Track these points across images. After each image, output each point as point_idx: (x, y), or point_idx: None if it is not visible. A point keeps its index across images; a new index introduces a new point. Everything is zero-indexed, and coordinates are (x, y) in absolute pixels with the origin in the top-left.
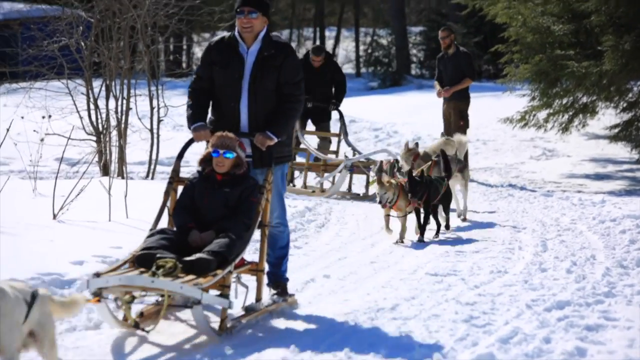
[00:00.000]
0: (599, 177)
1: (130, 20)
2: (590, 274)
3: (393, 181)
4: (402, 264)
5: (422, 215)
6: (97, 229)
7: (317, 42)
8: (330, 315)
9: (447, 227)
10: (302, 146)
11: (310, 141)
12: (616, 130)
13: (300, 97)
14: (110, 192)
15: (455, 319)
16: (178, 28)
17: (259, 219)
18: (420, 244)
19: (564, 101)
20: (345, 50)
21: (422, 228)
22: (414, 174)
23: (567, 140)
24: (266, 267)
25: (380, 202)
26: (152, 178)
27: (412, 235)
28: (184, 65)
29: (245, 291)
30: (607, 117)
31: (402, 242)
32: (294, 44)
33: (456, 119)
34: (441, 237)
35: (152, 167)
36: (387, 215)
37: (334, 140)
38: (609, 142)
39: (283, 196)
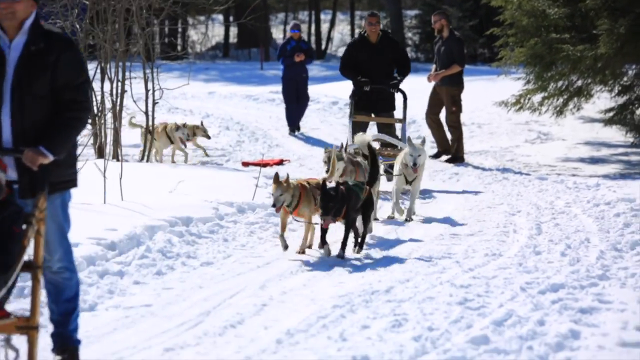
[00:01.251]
0: (593, 160)
1: (126, 3)
2: (585, 257)
3: (293, 182)
4: (397, 246)
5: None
6: (92, 211)
7: (313, 26)
8: (324, 298)
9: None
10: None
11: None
12: (611, 114)
13: (86, 103)
14: (105, 175)
15: (450, 302)
16: (173, 10)
17: (25, 257)
18: (340, 259)
19: (559, 84)
20: (341, 33)
21: (343, 243)
22: (327, 186)
23: (562, 124)
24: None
25: (274, 205)
26: (147, 161)
27: (334, 243)
28: (179, 47)
29: (13, 358)
30: (602, 100)
31: (303, 252)
32: (288, 27)
33: (448, 104)
34: (434, 220)
35: (147, 149)
36: (282, 235)
37: (399, 127)
38: (604, 125)
39: (67, 234)
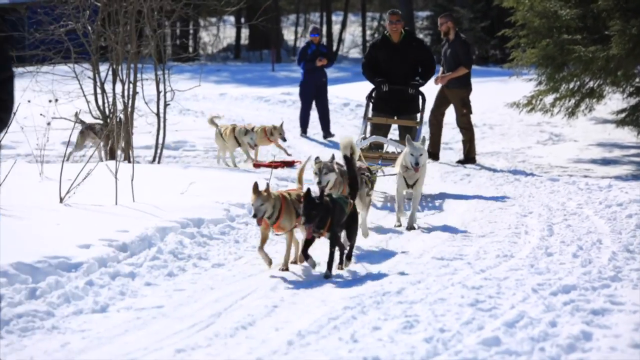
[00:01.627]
0: (605, 161)
1: (137, 5)
2: (597, 258)
3: (274, 192)
4: (408, 248)
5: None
6: (103, 212)
7: (324, 27)
8: (336, 299)
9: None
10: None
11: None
12: (623, 115)
13: (8, 102)
14: (117, 176)
15: (462, 303)
16: (185, 12)
17: None
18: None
19: (571, 86)
20: (352, 34)
21: (329, 262)
22: (312, 194)
23: (573, 125)
24: None
25: (255, 216)
26: (159, 162)
27: (320, 257)
28: (190, 49)
29: None
30: (614, 101)
31: (287, 269)
32: (300, 29)
33: (458, 106)
34: (446, 221)
35: (159, 151)
36: (261, 248)
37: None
38: (616, 126)
39: None
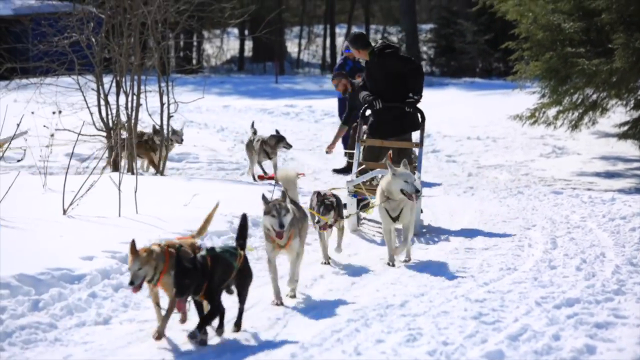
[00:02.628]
0: (609, 175)
1: (141, 17)
2: (600, 272)
3: (156, 248)
4: (411, 260)
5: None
6: (106, 224)
7: (328, 40)
8: (339, 312)
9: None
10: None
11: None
12: (625, 128)
13: None
14: (120, 188)
15: (465, 316)
16: (188, 24)
17: None
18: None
19: (574, 98)
20: None
21: (201, 322)
22: (184, 258)
23: (577, 138)
24: None
25: (131, 283)
26: (162, 174)
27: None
28: (194, 61)
29: None
30: (617, 114)
31: (159, 338)
32: (303, 41)
33: None
34: (449, 234)
35: (162, 163)
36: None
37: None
38: (618, 139)
39: None
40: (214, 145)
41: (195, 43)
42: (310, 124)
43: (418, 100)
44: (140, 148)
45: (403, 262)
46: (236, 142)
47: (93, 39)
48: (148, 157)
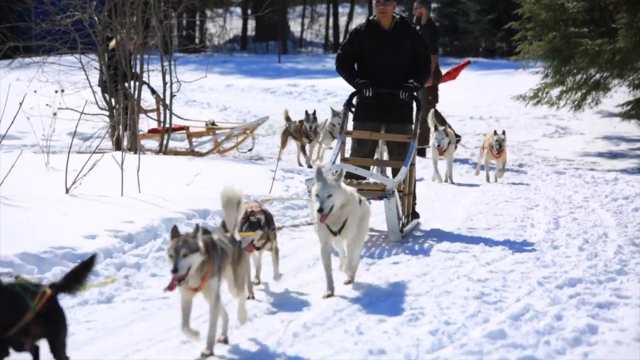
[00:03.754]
0: (612, 155)
1: None
2: (602, 252)
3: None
4: (413, 240)
5: None
6: (109, 203)
7: (331, 19)
8: (341, 292)
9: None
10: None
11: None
12: (628, 108)
13: None
14: (123, 167)
15: (467, 296)
16: (191, 3)
17: None
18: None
19: (577, 78)
20: None
21: None
22: None
23: (580, 118)
24: None
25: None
26: (165, 153)
27: None
28: (197, 40)
29: None
30: (620, 94)
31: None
32: (306, 20)
33: (424, 93)
34: (452, 214)
35: (165, 142)
36: None
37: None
38: (621, 119)
39: None
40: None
41: (198, 22)
42: (313, 103)
43: (418, 87)
44: (297, 133)
45: (344, 283)
46: (239, 121)
47: (95, 18)
48: (301, 143)
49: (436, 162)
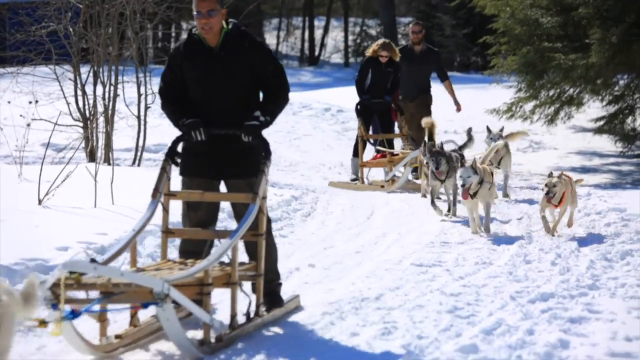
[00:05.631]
0: (585, 170)
1: (119, 7)
2: (575, 267)
3: None
4: (387, 254)
5: None
6: (82, 215)
7: (307, 32)
8: (314, 305)
9: None
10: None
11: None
12: (601, 123)
13: None
14: (97, 179)
15: (440, 310)
16: (167, 15)
17: None
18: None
19: (551, 93)
20: (334, 40)
21: None
22: None
23: (553, 133)
24: None
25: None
26: (139, 165)
27: None
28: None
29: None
30: (593, 109)
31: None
32: (282, 33)
33: (426, 114)
34: (425, 228)
35: (139, 154)
36: None
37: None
38: (594, 134)
39: None
40: None
41: (173, 34)
42: (287, 116)
43: (266, 124)
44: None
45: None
46: None
47: (71, 29)
48: None
49: (434, 192)
